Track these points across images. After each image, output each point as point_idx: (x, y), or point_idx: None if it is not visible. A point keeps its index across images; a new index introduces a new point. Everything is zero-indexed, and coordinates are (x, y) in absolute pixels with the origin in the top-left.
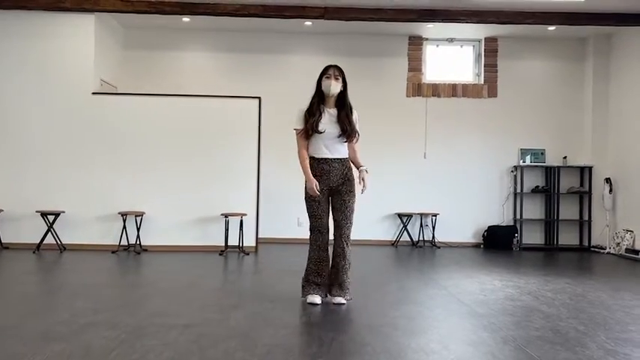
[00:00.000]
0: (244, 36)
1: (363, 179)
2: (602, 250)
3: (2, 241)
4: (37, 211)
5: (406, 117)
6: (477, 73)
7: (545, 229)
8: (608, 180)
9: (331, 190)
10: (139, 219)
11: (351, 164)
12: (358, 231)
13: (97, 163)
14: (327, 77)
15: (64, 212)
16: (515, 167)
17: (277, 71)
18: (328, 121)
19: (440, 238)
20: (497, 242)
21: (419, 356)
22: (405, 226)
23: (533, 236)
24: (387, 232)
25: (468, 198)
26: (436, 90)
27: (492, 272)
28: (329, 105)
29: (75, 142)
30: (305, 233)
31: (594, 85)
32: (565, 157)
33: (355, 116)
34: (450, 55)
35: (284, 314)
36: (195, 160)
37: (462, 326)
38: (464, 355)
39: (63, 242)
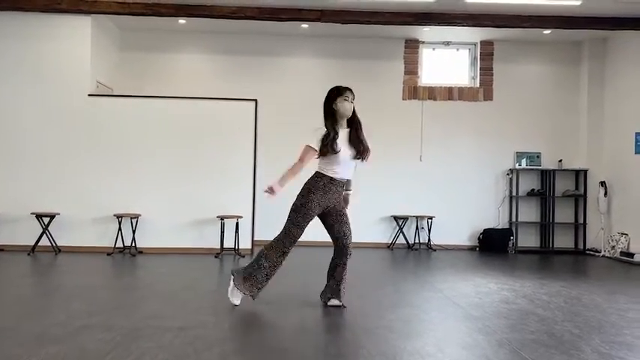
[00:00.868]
0: (241, 38)
1: (346, 201)
2: (597, 253)
3: None
4: (32, 213)
5: (402, 120)
6: (473, 76)
7: (541, 232)
8: (602, 183)
9: (327, 208)
10: (134, 221)
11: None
12: (354, 233)
13: (93, 164)
14: (346, 99)
15: (59, 214)
16: (511, 170)
17: (273, 74)
18: (344, 141)
19: (436, 240)
20: (492, 245)
21: (414, 359)
22: (400, 229)
23: (528, 239)
24: (382, 234)
25: (464, 201)
26: (432, 93)
27: (488, 275)
28: (342, 126)
29: (70, 143)
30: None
31: (589, 89)
32: (560, 161)
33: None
34: (446, 59)
35: (279, 317)
36: (191, 162)
37: (458, 329)
38: (459, 358)
39: (58, 244)
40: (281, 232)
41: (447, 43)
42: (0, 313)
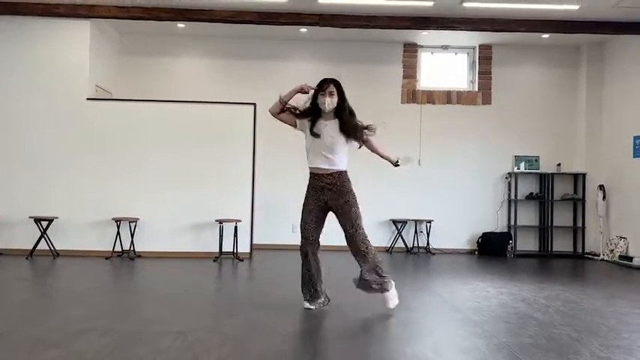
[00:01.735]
0: (239, 42)
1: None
2: (595, 257)
3: None
4: (30, 217)
5: (401, 124)
6: (472, 80)
7: (540, 236)
8: (601, 187)
9: (330, 206)
10: (132, 225)
11: (345, 178)
12: None
13: (92, 168)
14: (322, 94)
15: (57, 218)
16: (510, 174)
17: (272, 78)
18: (327, 131)
19: (434, 244)
20: (491, 249)
21: None
22: (399, 233)
23: (527, 243)
24: (381, 238)
25: (463, 205)
26: (431, 97)
27: (486, 279)
28: (327, 118)
29: (69, 147)
30: (298, 239)
31: (588, 93)
32: (559, 164)
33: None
34: (445, 63)
35: (278, 321)
36: (190, 166)
37: (456, 333)
38: None
39: (56, 248)
40: None
41: (446, 47)
42: None
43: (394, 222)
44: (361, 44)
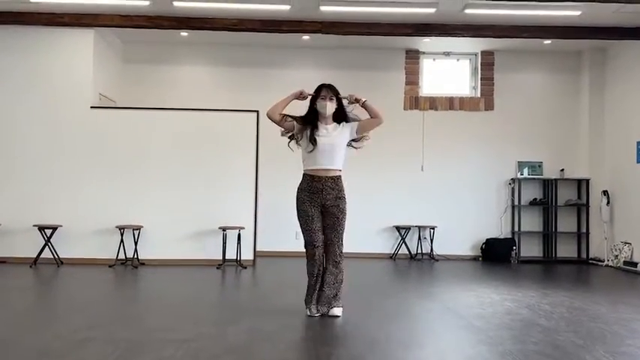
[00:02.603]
0: (242, 50)
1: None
2: (600, 263)
3: None
4: (34, 225)
5: (403, 130)
6: (474, 86)
7: (544, 242)
8: (605, 192)
9: (324, 207)
10: (136, 232)
11: (342, 182)
12: (356, 243)
13: (95, 176)
14: (322, 98)
15: (61, 226)
16: (513, 180)
17: (275, 85)
18: (323, 136)
19: (438, 251)
20: (495, 255)
21: None
22: (403, 239)
23: (531, 249)
24: (385, 244)
25: (466, 211)
26: (433, 103)
27: (490, 285)
28: (326, 122)
29: (73, 156)
30: (301, 246)
31: (590, 98)
32: (562, 170)
33: (350, 128)
34: (447, 69)
35: (282, 329)
36: (193, 174)
37: (460, 340)
38: None
39: (60, 256)
40: None
41: (448, 54)
42: (2, 325)
43: (397, 228)
44: (363, 51)
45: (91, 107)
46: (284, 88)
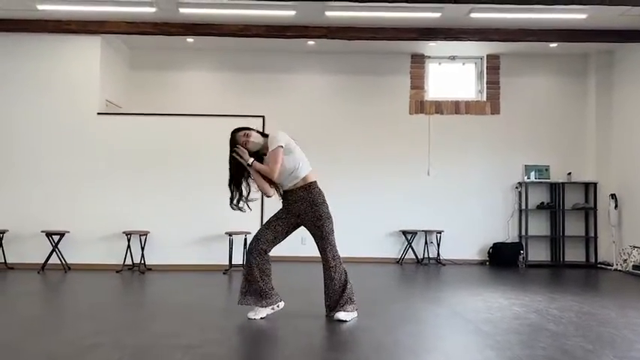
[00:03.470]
0: (248, 56)
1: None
2: (608, 267)
3: (7, 262)
4: (42, 231)
5: (409, 134)
6: (480, 90)
7: (551, 246)
8: (613, 196)
9: (299, 219)
10: (143, 238)
11: (313, 192)
12: (362, 248)
13: (102, 182)
14: (245, 142)
15: (68, 232)
16: (520, 184)
17: (280, 90)
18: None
19: (445, 255)
20: (502, 259)
21: None
22: (409, 244)
23: (538, 253)
24: (391, 249)
25: (473, 215)
26: (439, 107)
27: (498, 290)
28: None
29: (80, 162)
30: (308, 251)
31: (597, 101)
32: (569, 173)
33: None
34: (453, 73)
35: (288, 334)
36: (199, 179)
37: (468, 345)
38: None
39: (68, 262)
40: None
41: (453, 58)
42: (10, 331)
43: (404, 233)
44: (368, 56)
45: (98, 113)
46: (289, 93)
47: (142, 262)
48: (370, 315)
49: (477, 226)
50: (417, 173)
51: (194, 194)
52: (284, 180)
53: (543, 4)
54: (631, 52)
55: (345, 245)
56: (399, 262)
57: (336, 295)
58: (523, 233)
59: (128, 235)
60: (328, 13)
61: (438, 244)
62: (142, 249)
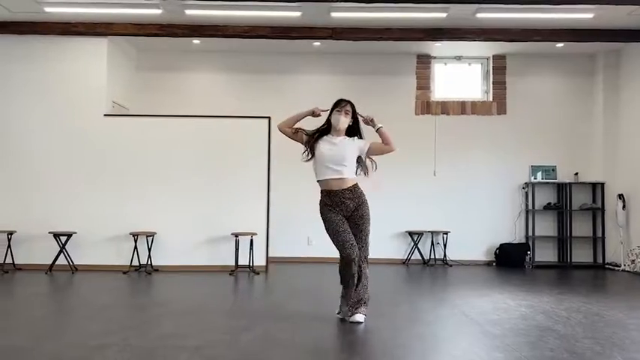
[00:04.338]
0: (254, 57)
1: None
2: (616, 268)
3: (15, 262)
4: (49, 232)
5: (415, 135)
6: (486, 90)
7: (558, 247)
8: (621, 196)
9: (345, 215)
10: (150, 239)
11: (360, 191)
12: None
13: (109, 183)
14: (338, 111)
15: (75, 233)
16: (527, 184)
17: (287, 91)
18: (329, 146)
19: (451, 256)
20: (509, 260)
21: None
22: (416, 245)
23: (546, 254)
24: (397, 250)
25: (479, 216)
26: (445, 108)
27: (505, 291)
28: (337, 135)
29: (87, 163)
30: (314, 252)
31: (604, 100)
32: (576, 174)
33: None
34: (459, 73)
35: (295, 335)
36: (206, 180)
37: (475, 347)
38: None
39: (75, 263)
40: None
41: (459, 58)
42: (17, 332)
43: (410, 234)
44: (374, 57)
45: (105, 115)
46: (296, 94)
47: (149, 263)
48: (377, 316)
49: (484, 226)
50: (423, 174)
51: (200, 195)
52: (329, 167)
53: (550, 3)
54: (638, 51)
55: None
56: (406, 263)
57: (354, 294)
58: (530, 234)
59: (135, 236)
60: (334, 14)
61: (445, 245)
62: (149, 250)
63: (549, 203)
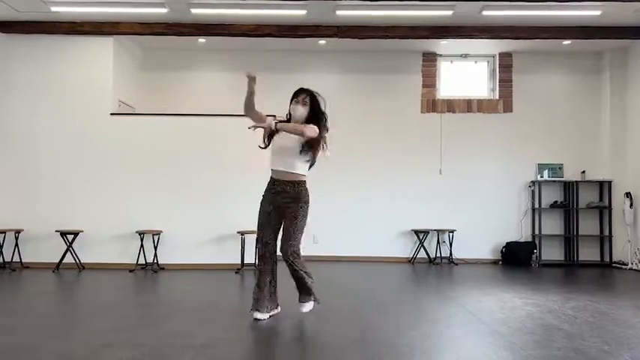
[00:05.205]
0: (259, 55)
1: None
2: (624, 266)
3: (22, 261)
4: (56, 231)
5: (421, 133)
6: (492, 88)
7: (565, 245)
8: (628, 194)
9: (276, 207)
10: (156, 237)
11: (303, 190)
12: (374, 247)
13: (115, 182)
14: (296, 102)
15: (82, 231)
16: (533, 182)
17: (292, 89)
18: (284, 137)
19: (457, 254)
20: (515, 259)
21: None
22: (421, 243)
23: (552, 252)
24: (403, 249)
25: (485, 214)
26: (451, 106)
27: (512, 289)
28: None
29: (93, 162)
30: (321, 250)
31: (611, 98)
32: (583, 172)
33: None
34: (465, 71)
35: (301, 333)
36: (212, 179)
37: (482, 345)
38: None
39: (82, 261)
40: None
41: (465, 56)
42: (24, 331)
43: (416, 232)
44: (380, 54)
45: (111, 114)
46: None
47: (155, 261)
48: (382, 315)
49: (490, 225)
50: (429, 172)
51: (206, 193)
52: (280, 158)
53: (556, 0)
54: None
55: (357, 244)
56: (411, 261)
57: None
58: (536, 232)
59: (141, 234)
60: (339, 12)
61: (451, 244)
62: (155, 248)
63: (556, 201)
